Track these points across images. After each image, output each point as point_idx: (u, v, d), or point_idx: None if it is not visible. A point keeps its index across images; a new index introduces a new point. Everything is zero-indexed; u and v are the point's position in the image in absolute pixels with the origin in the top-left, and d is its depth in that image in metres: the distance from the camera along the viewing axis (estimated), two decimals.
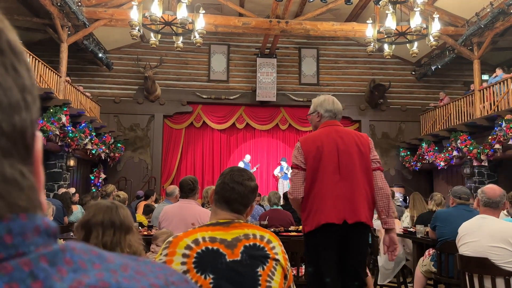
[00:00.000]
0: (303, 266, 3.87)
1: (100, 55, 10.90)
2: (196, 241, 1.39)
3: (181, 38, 7.27)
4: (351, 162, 2.43)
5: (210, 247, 1.38)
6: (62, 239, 3.33)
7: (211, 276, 1.33)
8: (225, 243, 1.40)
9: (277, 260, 1.44)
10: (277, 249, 1.47)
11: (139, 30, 6.66)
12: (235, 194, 1.50)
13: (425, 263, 4.09)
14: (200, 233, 1.42)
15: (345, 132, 2.55)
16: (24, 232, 0.31)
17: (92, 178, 10.72)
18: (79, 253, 0.33)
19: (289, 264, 1.51)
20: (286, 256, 1.51)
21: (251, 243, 1.43)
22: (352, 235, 2.41)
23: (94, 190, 9.94)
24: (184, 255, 1.35)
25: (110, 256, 0.35)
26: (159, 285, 0.34)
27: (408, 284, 5.02)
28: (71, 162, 9.05)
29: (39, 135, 0.36)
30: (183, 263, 1.34)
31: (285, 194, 6.25)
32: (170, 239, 1.43)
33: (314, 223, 2.42)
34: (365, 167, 2.44)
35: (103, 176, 10.87)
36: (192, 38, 6.98)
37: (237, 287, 1.34)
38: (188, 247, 1.37)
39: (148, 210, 5.74)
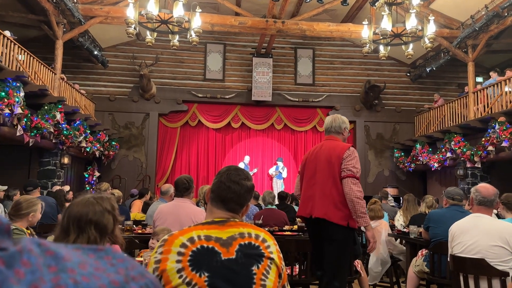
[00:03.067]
0: (297, 265, 3.89)
1: (95, 52, 10.85)
2: (191, 240, 1.39)
3: (177, 37, 7.25)
4: (323, 170, 2.98)
5: (205, 245, 1.39)
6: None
7: (206, 274, 1.33)
8: (221, 242, 1.41)
9: (271, 259, 1.45)
10: (272, 248, 1.48)
11: (135, 28, 6.64)
12: (231, 193, 1.51)
13: (418, 263, 4.12)
14: (196, 231, 1.43)
15: (326, 146, 3.09)
16: None
17: (86, 176, 10.67)
18: (36, 255, 0.32)
19: (283, 263, 1.52)
20: (281, 255, 1.52)
21: (246, 242, 1.44)
22: (322, 231, 2.95)
23: (88, 188, 9.90)
24: (179, 253, 1.36)
25: (68, 253, 0.34)
26: (118, 281, 0.33)
27: (401, 284, 5.05)
28: (65, 160, 9.01)
29: None
30: (178, 261, 1.35)
31: (280, 194, 6.27)
32: (166, 237, 1.43)
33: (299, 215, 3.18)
34: (332, 175, 2.92)
35: (97, 174, 10.83)
36: (188, 36, 6.97)
37: (232, 286, 1.35)
38: (183, 245, 1.38)
39: (147, 208, 5.74)
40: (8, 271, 0.29)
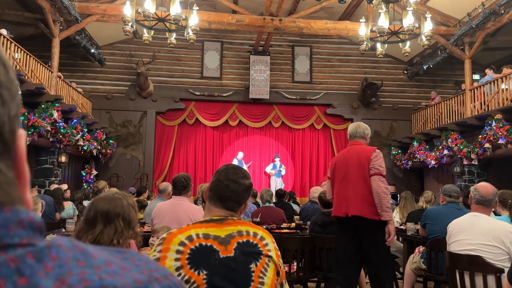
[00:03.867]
0: (295, 263, 3.91)
1: (92, 50, 10.82)
2: (190, 238, 1.40)
3: (174, 35, 7.24)
4: (353, 173, 3.26)
5: (203, 243, 1.40)
6: (54, 235, 3.32)
7: (205, 272, 1.34)
8: (219, 240, 1.42)
9: (270, 256, 1.46)
10: (270, 246, 1.49)
11: (132, 26, 6.63)
12: (229, 192, 1.51)
13: (415, 260, 4.14)
14: (194, 229, 1.43)
15: (353, 150, 3.38)
16: (7, 224, 0.32)
17: (84, 174, 10.65)
18: (65, 250, 0.33)
19: (281, 261, 1.53)
20: (279, 253, 1.53)
21: (245, 240, 1.44)
22: (360, 230, 3.21)
23: (85, 186, 9.89)
24: (178, 251, 1.37)
25: (95, 251, 0.35)
26: (142, 281, 0.34)
27: (398, 281, 5.08)
28: (63, 158, 8.99)
29: (22, 133, 0.36)
30: (176, 259, 1.35)
31: (277, 192, 6.28)
32: (164, 235, 1.44)
33: (334, 217, 3.40)
34: (362, 175, 3.22)
35: (94, 172, 10.81)
36: (185, 34, 6.96)
37: (231, 283, 1.36)
38: (182, 244, 1.38)
39: (140, 206, 5.74)
40: (37, 265, 0.31)
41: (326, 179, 4.62)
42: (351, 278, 3.26)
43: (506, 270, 2.18)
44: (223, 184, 1.52)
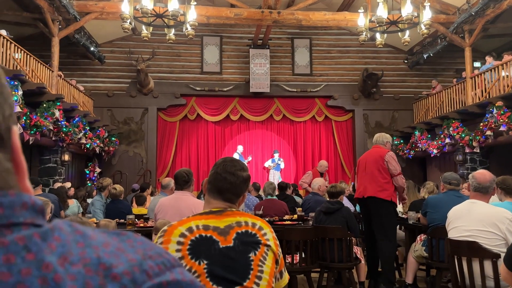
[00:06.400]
0: (297, 254, 3.95)
1: (91, 48, 10.84)
2: (190, 229, 1.44)
3: (173, 30, 7.24)
4: (370, 166, 4.39)
5: (203, 234, 1.43)
6: None
7: (205, 262, 1.38)
8: (218, 231, 1.45)
9: (268, 246, 1.49)
10: (269, 236, 1.52)
11: (130, 23, 6.64)
12: (227, 184, 1.55)
13: (417, 248, 4.18)
14: (194, 221, 1.47)
15: (373, 151, 4.54)
16: (13, 206, 0.36)
17: (87, 172, 10.72)
18: (66, 233, 0.37)
19: (280, 250, 1.56)
20: (277, 242, 1.56)
21: (243, 230, 1.48)
22: (372, 206, 4.33)
23: (89, 184, 9.96)
24: (178, 243, 1.40)
25: (94, 234, 0.39)
26: (136, 259, 0.38)
27: (401, 269, 5.12)
28: (66, 157, 9.05)
29: (15, 129, 0.41)
30: (177, 250, 1.39)
31: (280, 184, 6.31)
32: (165, 227, 1.48)
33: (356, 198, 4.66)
34: (377, 169, 4.34)
35: (98, 170, 10.87)
36: (184, 30, 6.97)
37: (230, 272, 1.39)
38: (182, 235, 1.42)
39: (140, 201, 5.80)
40: (43, 243, 0.35)
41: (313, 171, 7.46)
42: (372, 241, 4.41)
43: (503, 255, 2.21)
44: (221, 177, 1.55)
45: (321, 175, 7.24)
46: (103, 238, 0.39)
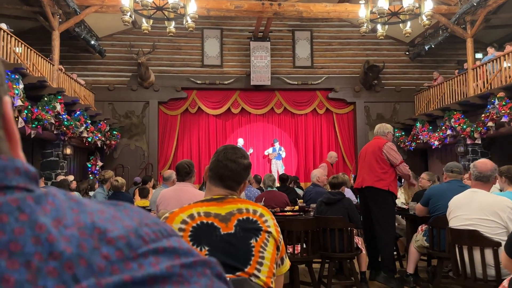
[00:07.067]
0: (299, 244, 3.97)
1: (92, 42, 10.82)
2: (191, 216, 1.45)
3: (173, 23, 7.21)
4: (369, 157, 4.45)
5: (205, 221, 1.44)
6: None
7: (207, 248, 1.39)
8: (219, 217, 1.46)
9: (269, 232, 1.50)
10: (270, 222, 1.53)
11: (130, 16, 6.61)
12: (228, 171, 1.55)
13: (418, 238, 4.19)
14: (195, 208, 1.48)
15: (373, 142, 4.59)
16: (5, 170, 0.36)
17: (89, 166, 10.75)
18: (60, 199, 0.37)
19: (281, 236, 1.57)
20: (279, 229, 1.57)
21: (244, 217, 1.49)
22: (369, 195, 4.38)
23: (91, 177, 9.99)
24: (180, 229, 1.41)
25: (89, 202, 0.39)
26: (132, 226, 0.37)
27: (402, 259, 5.14)
28: (68, 151, 9.07)
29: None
30: None
31: (281, 176, 6.33)
32: (167, 214, 1.49)
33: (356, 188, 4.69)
34: (375, 159, 4.39)
35: (100, 163, 10.90)
36: (184, 22, 6.94)
37: (232, 258, 1.41)
38: (184, 222, 1.43)
39: (143, 193, 5.83)
40: (36, 206, 0.35)
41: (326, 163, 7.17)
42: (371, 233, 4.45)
43: (503, 243, 2.22)
44: (222, 164, 1.56)
45: (332, 166, 7.46)
46: (98, 206, 0.38)
